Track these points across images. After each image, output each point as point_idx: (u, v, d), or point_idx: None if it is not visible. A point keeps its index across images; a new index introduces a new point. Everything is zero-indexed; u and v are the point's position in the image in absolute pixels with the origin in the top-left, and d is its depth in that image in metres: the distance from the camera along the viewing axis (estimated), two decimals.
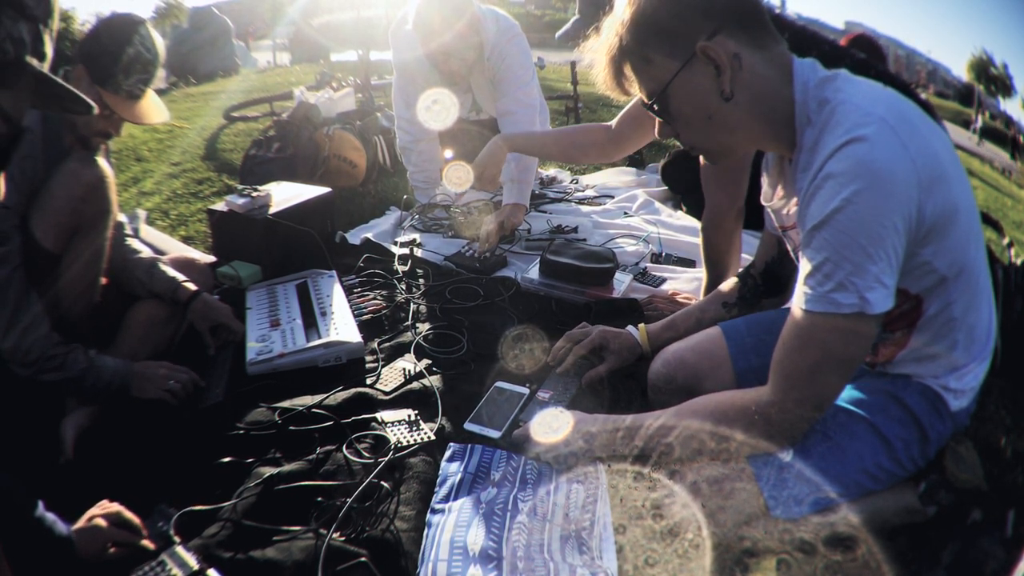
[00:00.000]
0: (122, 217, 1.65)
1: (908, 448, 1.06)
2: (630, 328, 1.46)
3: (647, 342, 1.43)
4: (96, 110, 0.84)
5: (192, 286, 1.62)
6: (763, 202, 1.20)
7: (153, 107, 1.48)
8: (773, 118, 0.99)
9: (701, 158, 1.62)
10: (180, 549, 0.98)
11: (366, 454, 1.22)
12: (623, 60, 1.03)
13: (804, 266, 0.94)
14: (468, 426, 1.33)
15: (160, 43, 1.46)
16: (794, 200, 1.05)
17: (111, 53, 1.37)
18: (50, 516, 0.97)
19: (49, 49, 0.75)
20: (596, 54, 1.06)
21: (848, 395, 1.10)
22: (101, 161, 1.41)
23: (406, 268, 2.07)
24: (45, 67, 0.74)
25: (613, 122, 1.80)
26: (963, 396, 1.08)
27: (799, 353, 0.96)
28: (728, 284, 1.45)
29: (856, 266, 0.88)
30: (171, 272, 1.63)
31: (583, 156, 1.99)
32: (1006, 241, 1.74)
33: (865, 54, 1.71)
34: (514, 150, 1.95)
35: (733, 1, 0.96)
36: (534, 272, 2.00)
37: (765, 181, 1.20)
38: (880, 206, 0.86)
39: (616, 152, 1.83)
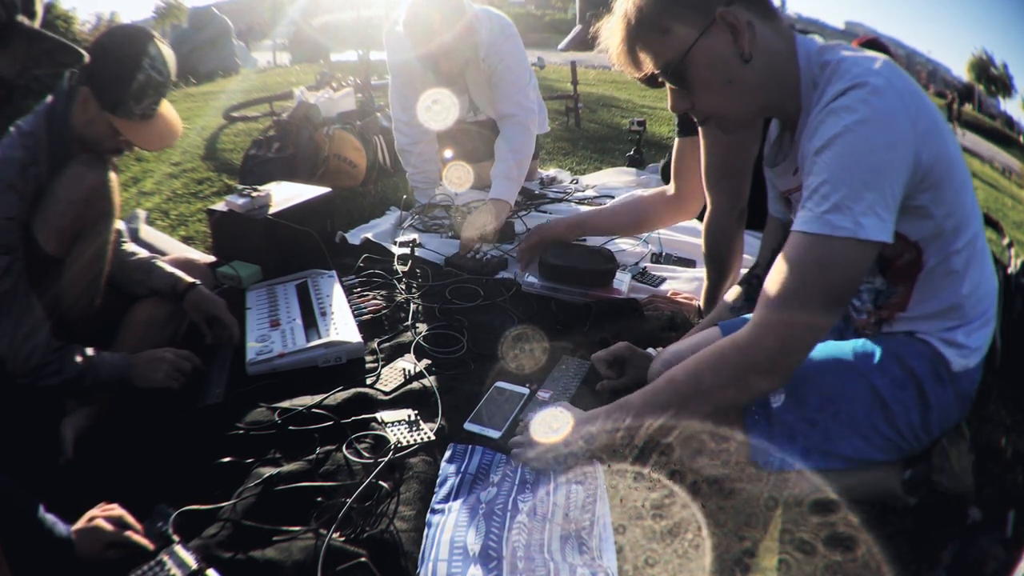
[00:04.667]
0: (120, 224, 1.64)
1: (907, 412, 1.06)
2: (650, 350, 1.45)
3: None
4: (87, 59, 0.83)
5: (189, 279, 1.63)
6: (765, 166, 1.23)
7: (166, 125, 1.44)
8: (784, 84, 1.04)
9: (702, 160, 1.62)
10: (179, 548, 0.98)
11: (366, 454, 1.22)
12: (640, 33, 1.05)
13: (804, 194, 0.96)
14: (468, 426, 1.33)
15: (170, 57, 1.41)
16: (795, 168, 1.08)
17: (121, 80, 1.32)
18: (50, 517, 0.97)
19: (39, 7, 0.76)
20: (611, 31, 1.09)
21: (848, 349, 1.10)
22: (105, 164, 1.40)
23: (406, 268, 2.07)
24: (36, 24, 0.74)
25: (671, 185, 1.87)
26: (970, 354, 1.07)
27: (787, 274, 0.95)
28: (732, 293, 1.45)
29: (853, 190, 0.90)
30: (169, 268, 1.63)
31: (652, 225, 2.08)
32: (1006, 241, 1.73)
33: None
34: (582, 234, 2.09)
35: None
36: (534, 275, 2.00)
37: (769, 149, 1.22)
38: (879, 139, 0.90)
39: (687, 211, 1.89)
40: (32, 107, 1.39)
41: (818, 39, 1.04)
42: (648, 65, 1.07)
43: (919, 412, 1.06)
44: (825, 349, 1.12)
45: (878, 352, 1.08)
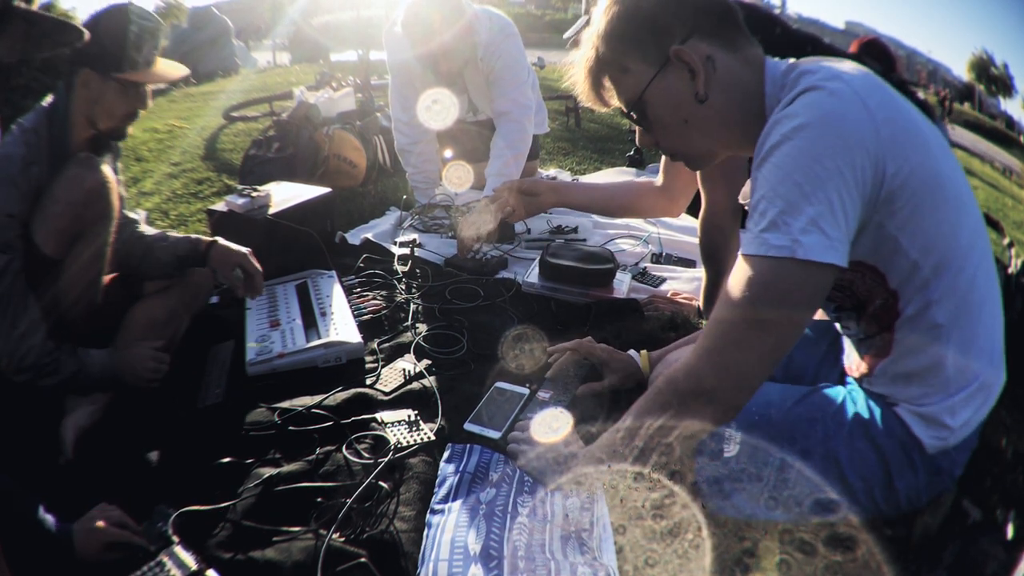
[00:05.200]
0: (133, 215, 1.67)
1: (869, 491, 0.99)
2: (632, 352, 1.43)
3: (648, 368, 1.40)
4: (87, 36, 0.83)
5: (208, 238, 1.67)
6: (740, 200, 1.21)
7: (169, 65, 1.50)
8: (747, 118, 0.98)
9: None
10: (179, 549, 0.98)
11: (366, 454, 1.22)
12: (601, 72, 1.03)
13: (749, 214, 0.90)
14: (468, 426, 1.33)
15: (150, 10, 1.46)
16: None
17: (116, 41, 1.37)
18: (50, 517, 0.97)
19: None
20: (576, 67, 1.07)
21: (817, 408, 1.03)
22: (104, 165, 1.40)
23: (406, 268, 2.07)
24: (34, 6, 0.74)
25: (659, 178, 1.83)
26: (950, 436, 0.96)
27: (726, 302, 0.87)
28: None
29: (790, 204, 0.81)
30: (180, 235, 1.68)
31: (635, 212, 2.01)
32: (1006, 241, 1.74)
33: (876, 59, 1.70)
34: (559, 201, 1.97)
35: (704, 6, 0.97)
36: (534, 275, 2.00)
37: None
38: (821, 144, 0.81)
39: (671, 207, 1.85)
40: (32, 107, 1.40)
41: (790, 60, 0.98)
42: (614, 101, 1.05)
43: (883, 491, 0.99)
44: (797, 407, 1.04)
45: (848, 419, 1.00)
